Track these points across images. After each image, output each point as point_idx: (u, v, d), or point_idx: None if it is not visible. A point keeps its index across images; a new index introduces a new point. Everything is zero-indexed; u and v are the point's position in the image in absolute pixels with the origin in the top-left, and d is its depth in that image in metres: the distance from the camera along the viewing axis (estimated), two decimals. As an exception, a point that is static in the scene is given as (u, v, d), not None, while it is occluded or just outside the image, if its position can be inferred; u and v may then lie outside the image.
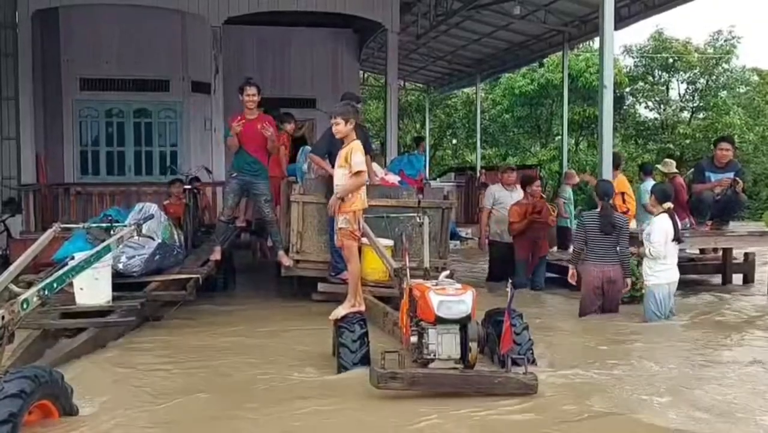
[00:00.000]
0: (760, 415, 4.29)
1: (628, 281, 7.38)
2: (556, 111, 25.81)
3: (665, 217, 6.97)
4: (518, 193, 9.52)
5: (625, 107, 27.71)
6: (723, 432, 4.04)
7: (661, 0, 12.94)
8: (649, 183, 10.48)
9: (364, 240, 6.38)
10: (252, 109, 7.94)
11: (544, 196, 10.16)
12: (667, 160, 11.16)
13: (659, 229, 6.89)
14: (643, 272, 7.09)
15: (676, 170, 10.53)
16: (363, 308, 5.88)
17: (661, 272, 6.95)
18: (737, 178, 8.64)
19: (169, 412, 4.31)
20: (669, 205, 7.03)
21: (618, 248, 7.21)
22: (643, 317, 7.03)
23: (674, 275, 7.04)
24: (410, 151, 15.45)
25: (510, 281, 4.91)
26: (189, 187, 9.99)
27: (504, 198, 9.53)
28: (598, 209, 7.32)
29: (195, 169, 12.01)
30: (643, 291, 7.96)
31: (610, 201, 7.50)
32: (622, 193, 9.53)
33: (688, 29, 50.06)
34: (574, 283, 7.43)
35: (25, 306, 3.92)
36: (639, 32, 51.22)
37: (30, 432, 3.61)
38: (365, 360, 4.94)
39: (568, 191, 12.19)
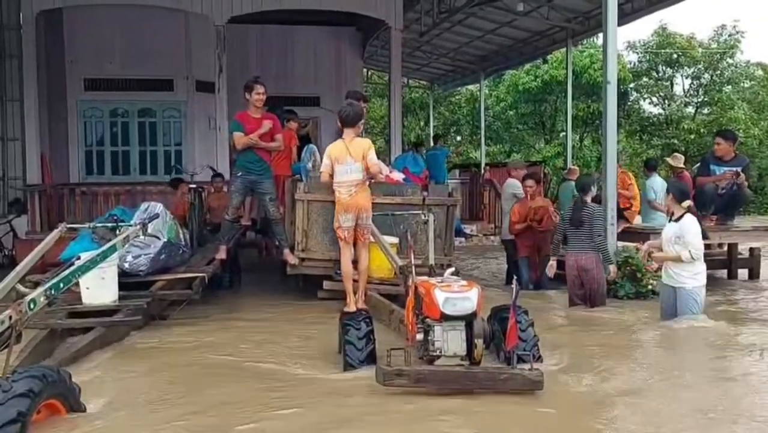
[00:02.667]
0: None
1: (611, 268, 7.49)
2: (560, 107, 25.76)
3: (692, 217, 6.58)
4: None
5: (629, 103, 27.65)
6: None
7: (665, -5, 12.93)
8: (654, 179, 10.49)
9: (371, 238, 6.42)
10: (259, 107, 7.95)
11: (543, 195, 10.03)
12: (676, 154, 11.18)
13: (695, 231, 6.50)
14: (676, 275, 6.56)
15: (683, 165, 10.53)
16: (353, 309, 5.94)
17: (700, 273, 6.60)
18: (739, 171, 8.62)
19: (176, 410, 4.32)
20: (689, 203, 6.69)
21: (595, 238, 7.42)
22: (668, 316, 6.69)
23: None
24: (436, 146, 16.09)
25: (516, 277, 4.92)
26: (194, 186, 10.02)
27: (521, 195, 9.28)
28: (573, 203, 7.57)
29: (200, 169, 12.03)
30: (649, 287, 8.01)
31: (586, 196, 7.59)
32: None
33: (691, 24, 49.95)
34: (551, 275, 7.82)
35: (32, 306, 3.94)
36: (643, 28, 51.19)
37: (39, 430, 3.62)
38: (371, 358, 4.96)
39: (572, 186, 12.15)
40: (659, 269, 6.95)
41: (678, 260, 6.47)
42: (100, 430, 3.85)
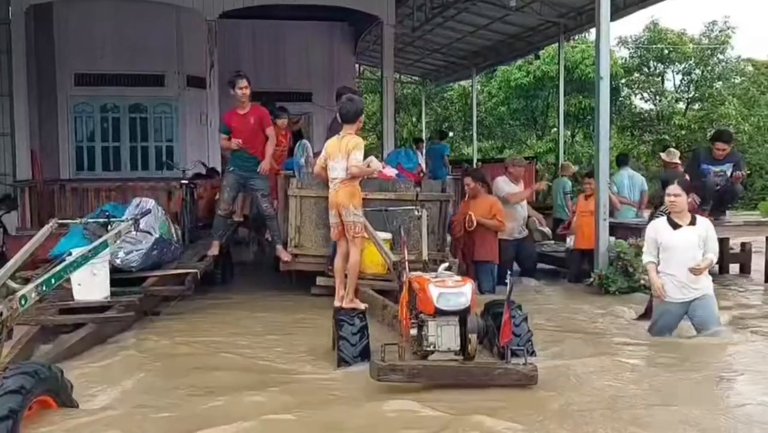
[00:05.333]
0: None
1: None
2: (552, 103, 25.79)
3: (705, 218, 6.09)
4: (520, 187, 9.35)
5: (620, 99, 27.72)
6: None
7: (657, -9, 12.96)
8: (619, 173, 10.67)
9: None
10: (244, 102, 7.94)
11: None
12: (671, 149, 11.28)
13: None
14: (696, 285, 5.80)
15: (677, 160, 10.59)
16: (337, 304, 5.90)
17: None
18: (740, 173, 8.68)
19: (167, 406, 4.31)
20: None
21: None
22: (705, 326, 5.89)
23: None
24: (441, 141, 17.05)
25: (509, 272, 4.92)
26: (186, 182, 9.97)
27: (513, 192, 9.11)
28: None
29: (191, 164, 11.98)
30: (641, 282, 8.04)
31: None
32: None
33: (683, 20, 50.09)
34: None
35: (23, 302, 3.91)
36: (634, 23, 51.19)
37: (30, 427, 3.60)
38: (365, 353, 4.95)
39: (567, 184, 12.23)
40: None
41: (711, 265, 5.84)
42: (92, 426, 3.83)
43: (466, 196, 8.57)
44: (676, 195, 5.81)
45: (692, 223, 5.83)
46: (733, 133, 9.98)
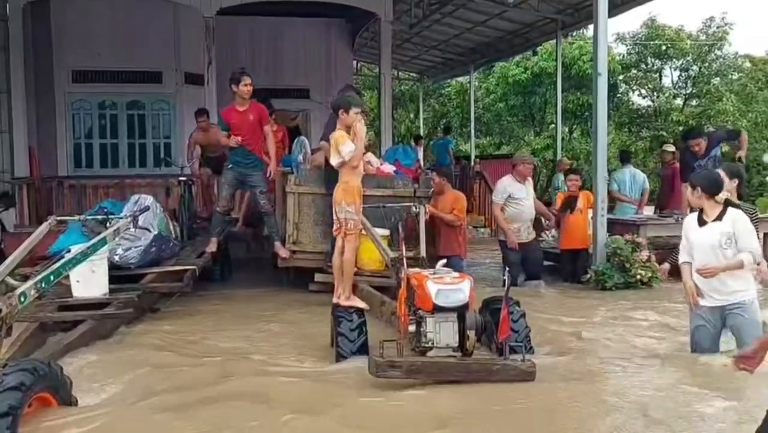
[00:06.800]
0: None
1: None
2: (550, 99, 25.75)
3: (740, 211, 5.07)
4: (530, 186, 9.01)
5: (618, 95, 27.68)
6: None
7: (655, -13, 12.95)
8: (621, 170, 10.65)
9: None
10: (246, 99, 7.94)
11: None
12: (667, 146, 11.28)
13: (752, 228, 5.06)
14: (733, 291, 4.95)
15: (672, 157, 10.60)
16: (336, 300, 5.90)
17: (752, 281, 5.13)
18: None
19: (166, 403, 4.31)
20: (726, 195, 5.09)
21: None
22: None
23: None
24: (446, 137, 19.05)
25: (507, 268, 4.94)
26: (184, 178, 9.97)
27: (518, 192, 8.62)
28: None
29: (189, 161, 11.97)
30: (638, 277, 8.08)
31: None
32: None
33: (680, 16, 50.07)
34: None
35: (22, 299, 3.93)
36: (631, 20, 51.15)
37: (29, 424, 3.61)
38: (363, 349, 4.96)
39: (560, 179, 12.28)
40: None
41: (739, 267, 4.90)
42: (91, 423, 3.84)
43: (431, 191, 8.25)
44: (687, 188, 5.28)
45: (718, 218, 4.98)
46: (702, 129, 9.65)
